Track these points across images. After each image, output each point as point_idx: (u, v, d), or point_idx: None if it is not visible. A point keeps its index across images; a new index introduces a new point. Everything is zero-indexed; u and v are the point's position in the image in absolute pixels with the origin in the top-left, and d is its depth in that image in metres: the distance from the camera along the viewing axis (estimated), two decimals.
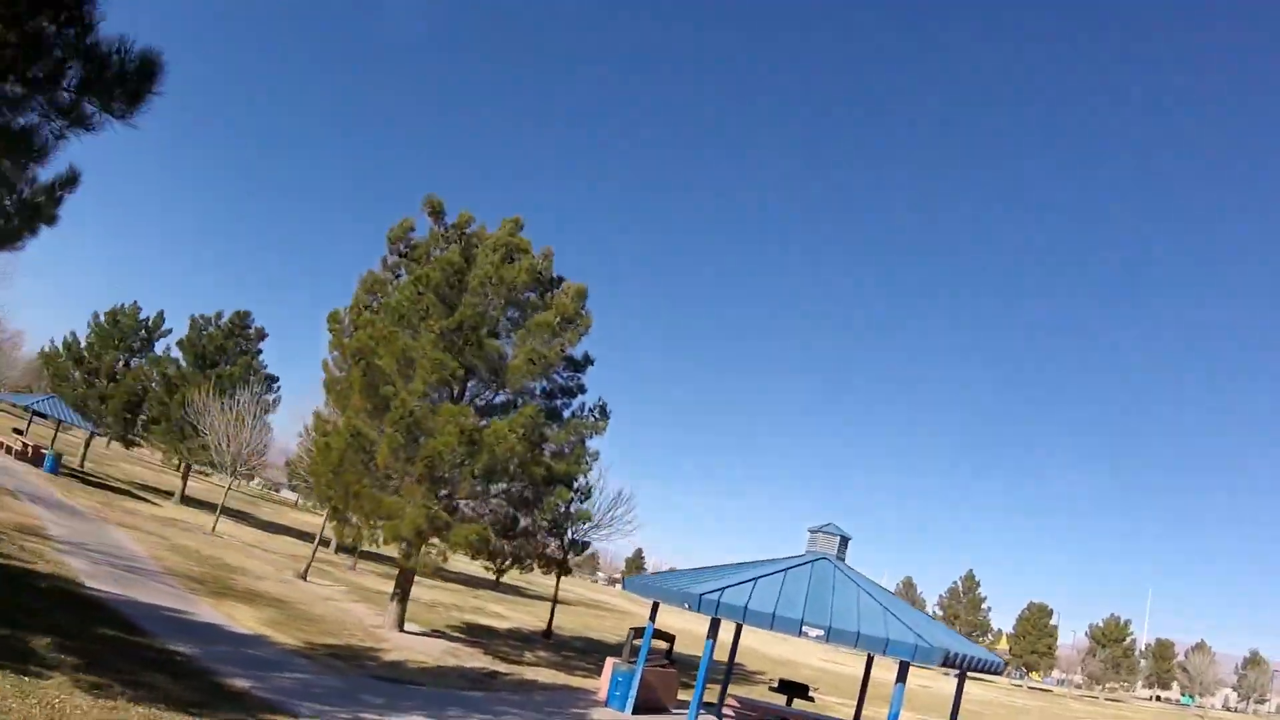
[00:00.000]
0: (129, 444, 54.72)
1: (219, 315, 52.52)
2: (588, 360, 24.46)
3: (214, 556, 27.41)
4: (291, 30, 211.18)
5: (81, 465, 48.79)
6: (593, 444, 23.10)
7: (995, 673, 17.33)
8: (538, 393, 23.91)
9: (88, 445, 51.40)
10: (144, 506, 38.63)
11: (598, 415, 23.21)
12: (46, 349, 51.73)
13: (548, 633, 32.39)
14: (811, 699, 23.48)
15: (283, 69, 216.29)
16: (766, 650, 57.99)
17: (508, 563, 22.23)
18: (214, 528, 36.05)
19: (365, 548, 41.87)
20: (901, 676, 14.92)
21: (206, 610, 18.23)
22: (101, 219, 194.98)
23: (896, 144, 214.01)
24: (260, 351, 52.08)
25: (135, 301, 52.53)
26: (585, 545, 27.00)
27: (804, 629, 14.49)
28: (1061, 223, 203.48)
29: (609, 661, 20.02)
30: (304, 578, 29.24)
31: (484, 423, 20.08)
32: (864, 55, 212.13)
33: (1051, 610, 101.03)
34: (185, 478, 50.87)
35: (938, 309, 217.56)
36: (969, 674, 17.71)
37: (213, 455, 38.86)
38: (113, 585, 17.54)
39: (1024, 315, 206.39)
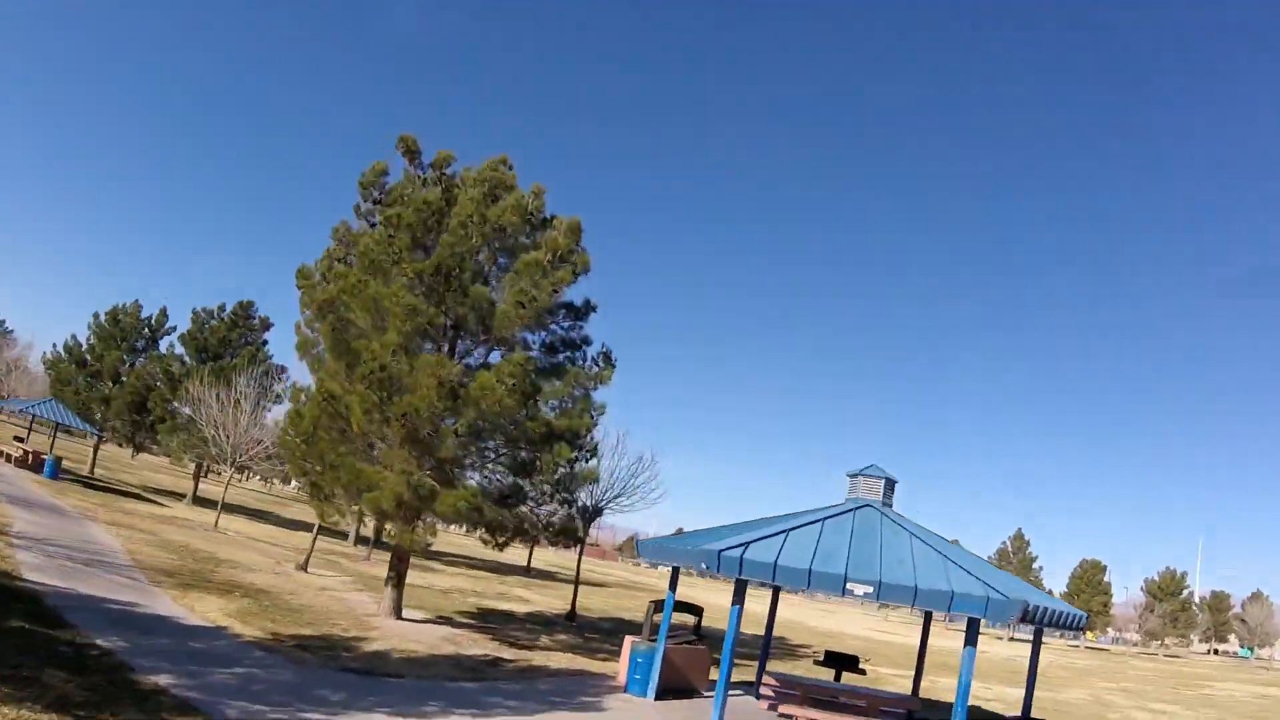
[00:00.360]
0: (138, 447, 53.07)
1: (222, 307, 50.87)
2: (590, 307, 21.90)
3: (204, 550, 25.35)
4: (295, 21, 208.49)
5: (91, 471, 47.22)
6: (599, 397, 20.64)
7: (1077, 628, 14.71)
8: (536, 346, 21.49)
9: (96, 450, 49.82)
10: (147, 507, 36.79)
11: (601, 364, 20.67)
12: (49, 355, 50.16)
13: (571, 614, 30.07)
14: (863, 671, 20.97)
15: (293, 59, 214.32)
16: (808, 622, 55.49)
17: (508, 535, 19.59)
18: (216, 523, 34.11)
19: (350, 528, 40.02)
20: (971, 638, 12.36)
21: (165, 602, 16.06)
22: (117, 222, 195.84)
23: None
24: (266, 342, 50.35)
25: (136, 300, 50.85)
26: (599, 511, 24.42)
27: (848, 586, 11.94)
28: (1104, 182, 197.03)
29: (627, 641, 17.62)
30: (305, 569, 27.12)
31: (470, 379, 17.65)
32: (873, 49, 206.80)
33: (1105, 566, 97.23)
34: (197, 478, 49.23)
35: (972, 267, 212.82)
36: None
37: (211, 448, 36.88)
38: (59, 578, 15.49)
39: (1059, 272, 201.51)
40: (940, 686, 25.91)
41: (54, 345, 51.23)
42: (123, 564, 19.31)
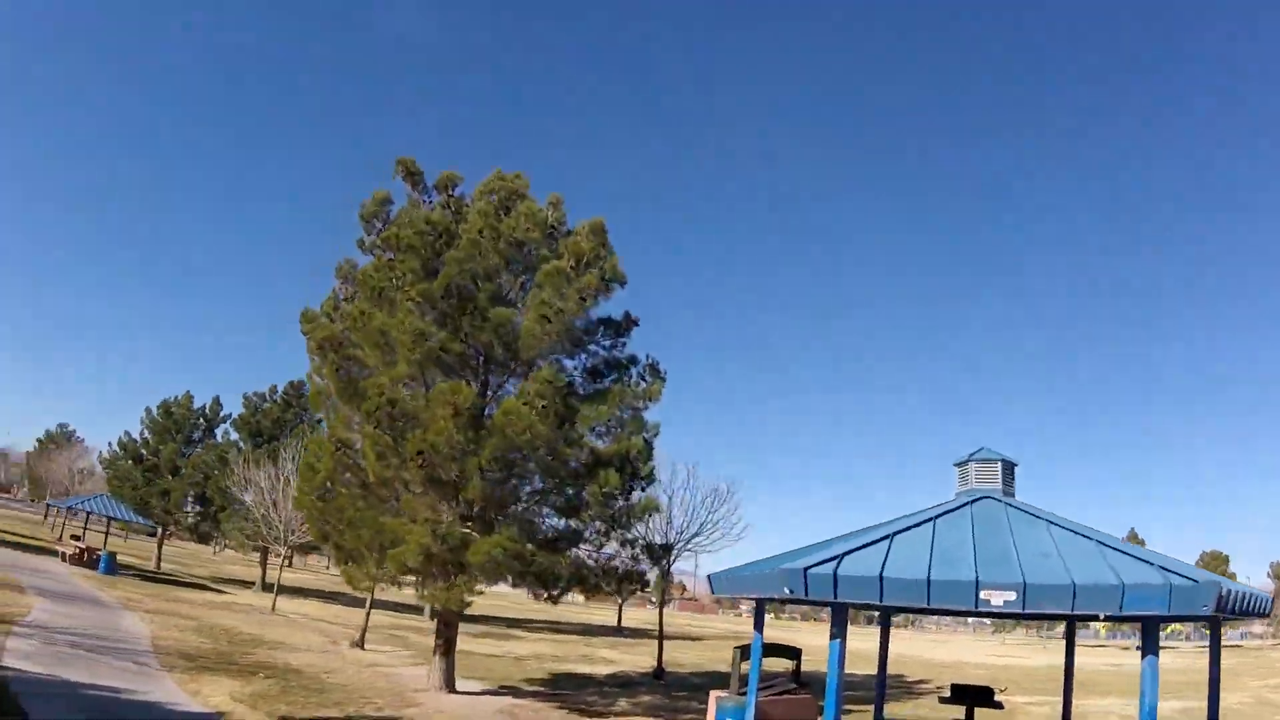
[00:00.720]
0: (202, 538, 52.04)
1: (273, 389, 50.00)
2: (631, 321, 19.43)
3: (247, 633, 23.24)
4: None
5: (157, 565, 46.05)
6: (650, 416, 18.06)
7: (1263, 614, 11.43)
8: (578, 372, 19.06)
9: (161, 544, 48.83)
10: (204, 596, 35.07)
11: (648, 378, 18.08)
12: (104, 454, 49.66)
13: (658, 672, 27.10)
14: (999, 704, 17.64)
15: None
16: (921, 654, 50.94)
17: (562, 585, 16.87)
18: (274, 606, 32.21)
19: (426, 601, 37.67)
20: (1150, 644, 9.37)
21: (166, 687, 13.81)
22: (171, 316, 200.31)
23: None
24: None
25: (187, 391, 50.32)
26: (667, 549, 21.36)
27: (983, 595, 9.03)
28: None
29: (713, 697, 14.81)
30: (360, 645, 24.87)
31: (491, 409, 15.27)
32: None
33: (1228, 557, 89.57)
34: (263, 564, 47.64)
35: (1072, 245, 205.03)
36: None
37: (264, 527, 35.18)
38: (46, 665, 13.45)
39: (1159, 253, 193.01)
40: (1086, 710, 22.35)
41: (109, 444, 50.84)
42: (140, 650, 17.21)
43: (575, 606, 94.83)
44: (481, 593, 16.47)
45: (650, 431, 17.67)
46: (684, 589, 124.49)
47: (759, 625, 13.92)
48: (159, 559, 47.12)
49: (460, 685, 18.45)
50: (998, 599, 9.14)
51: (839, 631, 10.56)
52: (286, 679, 16.19)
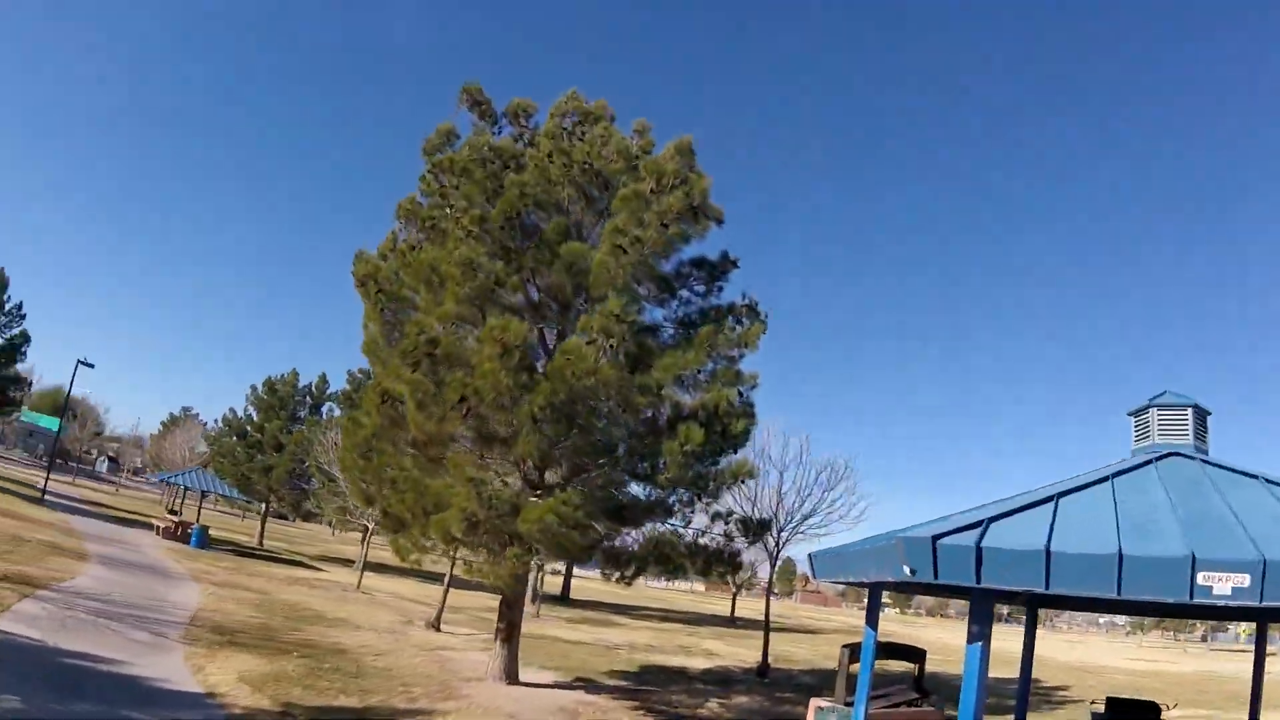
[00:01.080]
0: (305, 516, 52.04)
1: None
2: (729, 262, 16.82)
3: (311, 610, 21.86)
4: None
5: (260, 542, 46.07)
6: (748, 366, 15.45)
7: None
8: (670, 323, 16.58)
9: (264, 521, 48.92)
10: (290, 571, 34.41)
11: (746, 320, 15.41)
12: (210, 431, 50.16)
13: (762, 669, 24.39)
14: None
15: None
16: (1055, 655, 45.96)
17: (639, 563, 14.35)
18: (359, 584, 31.07)
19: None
20: None
21: (167, 663, 12.18)
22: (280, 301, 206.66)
23: None
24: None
25: (294, 369, 50.29)
26: (764, 526, 18.43)
27: (1201, 578, 6.16)
28: None
29: (812, 705, 12.22)
30: (436, 627, 23.17)
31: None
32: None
33: None
34: (364, 542, 47.09)
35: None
36: None
37: (347, 500, 34.11)
38: (47, 631, 12.17)
39: None
40: None
41: (214, 420, 51.39)
42: (171, 621, 15.75)
43: (691, 594, 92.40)
44: (541, 567, 14.25)
45: (746, 383, 15.02)
46: (806, 580, 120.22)
47: (872, 619, 11.15)
48: (261, 535, 47.14)
49: (528, 675, 16.36)
50: (1223, 585, 6.21)
51: (981, 630, 7.71)
52: (322, 660, 14.38)
